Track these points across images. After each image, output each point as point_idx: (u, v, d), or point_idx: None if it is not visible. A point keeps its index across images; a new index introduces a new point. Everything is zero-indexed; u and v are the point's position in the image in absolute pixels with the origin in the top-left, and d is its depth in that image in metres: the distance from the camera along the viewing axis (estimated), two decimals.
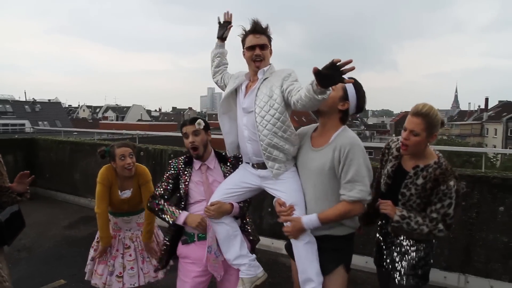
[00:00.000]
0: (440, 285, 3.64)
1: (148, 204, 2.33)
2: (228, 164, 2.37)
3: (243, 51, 2.13)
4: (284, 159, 2.07)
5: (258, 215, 4.69)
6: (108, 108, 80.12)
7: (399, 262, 2.13)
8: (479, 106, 61.21)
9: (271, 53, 2.13)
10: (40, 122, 40.93)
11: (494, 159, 25.79)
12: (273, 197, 2.16)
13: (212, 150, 2.38)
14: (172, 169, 2.33)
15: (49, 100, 56.52)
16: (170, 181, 2.32)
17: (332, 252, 2.06)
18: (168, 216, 2.23)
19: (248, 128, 2.11)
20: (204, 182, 2.28)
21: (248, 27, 2.09)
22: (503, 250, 3.48)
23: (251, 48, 2.07)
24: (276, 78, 2.04)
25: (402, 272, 2.11)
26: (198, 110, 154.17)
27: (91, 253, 2.71)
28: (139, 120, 61.65)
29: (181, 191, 2.29)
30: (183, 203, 2.29)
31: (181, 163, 2.34)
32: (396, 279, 2.12)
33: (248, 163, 2.20)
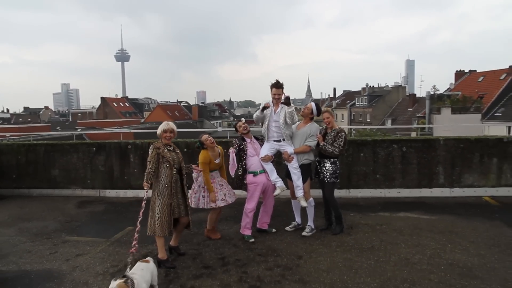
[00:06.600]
0: (337, 198, 7.11)
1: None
2: (259, 140, 5.28)
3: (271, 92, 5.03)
4: (289, 137, 5.16)
5: None
6: None
7: (325, 173, 5.25)
8: (328, 95, 73.09)
9: (284, 92, 5.06)
10: None
11: (349, 135, 34.56)
12: None
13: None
14: (238, 143, 5.09)
15: None
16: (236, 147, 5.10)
17: (304, 173, 5.17)
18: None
19: (276, 126, 5.04)
20: (254, 148, 5.12)
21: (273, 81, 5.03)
22: (363, 174, 7.29)
23: (274, 95, 4.99)
24: (287, 108, 5.00)
25: (327, 176, 5.24)
26: (53, 108, 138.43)
27: (197, 196, 4.94)
28: None
29: (245, 150, 5.06)
30: (244, 156, 5.06)
31: (241, 140, 5.11)
32: (326, 180, 5.25)
33: (271, 140, 5.12)
